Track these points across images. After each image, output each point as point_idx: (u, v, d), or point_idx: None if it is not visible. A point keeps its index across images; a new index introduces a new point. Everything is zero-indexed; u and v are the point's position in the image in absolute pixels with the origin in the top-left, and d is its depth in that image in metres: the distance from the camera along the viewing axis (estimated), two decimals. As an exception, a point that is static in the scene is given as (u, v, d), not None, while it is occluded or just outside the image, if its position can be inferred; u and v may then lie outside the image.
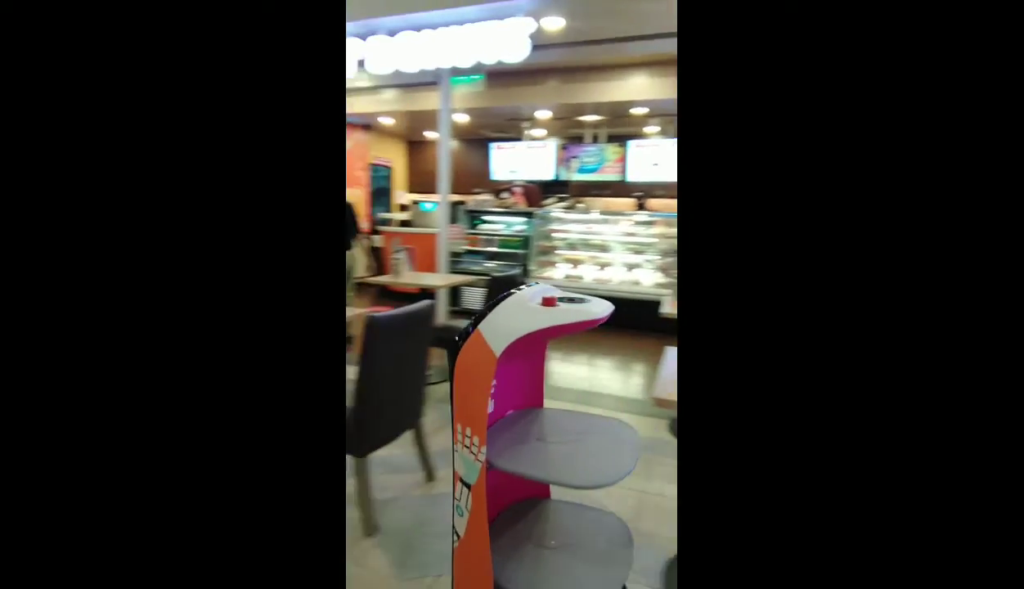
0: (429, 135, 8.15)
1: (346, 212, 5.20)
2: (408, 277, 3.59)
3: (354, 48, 3.74)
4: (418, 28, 3.52)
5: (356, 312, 2.34)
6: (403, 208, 8.32)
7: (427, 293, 3.57)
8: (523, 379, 1.22)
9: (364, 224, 7.38)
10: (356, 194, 7.30)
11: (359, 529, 1.78)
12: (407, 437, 2.05)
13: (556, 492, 1.35)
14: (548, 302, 0.98)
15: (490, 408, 1.03)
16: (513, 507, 1.21)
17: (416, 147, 8.87)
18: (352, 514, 1.84)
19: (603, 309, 1.04)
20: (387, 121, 7.34)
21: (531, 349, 1.20)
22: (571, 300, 1.04)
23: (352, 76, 3.89)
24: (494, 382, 0.97)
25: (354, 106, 6.44)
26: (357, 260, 5.34)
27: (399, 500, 2.00)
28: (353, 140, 7.18)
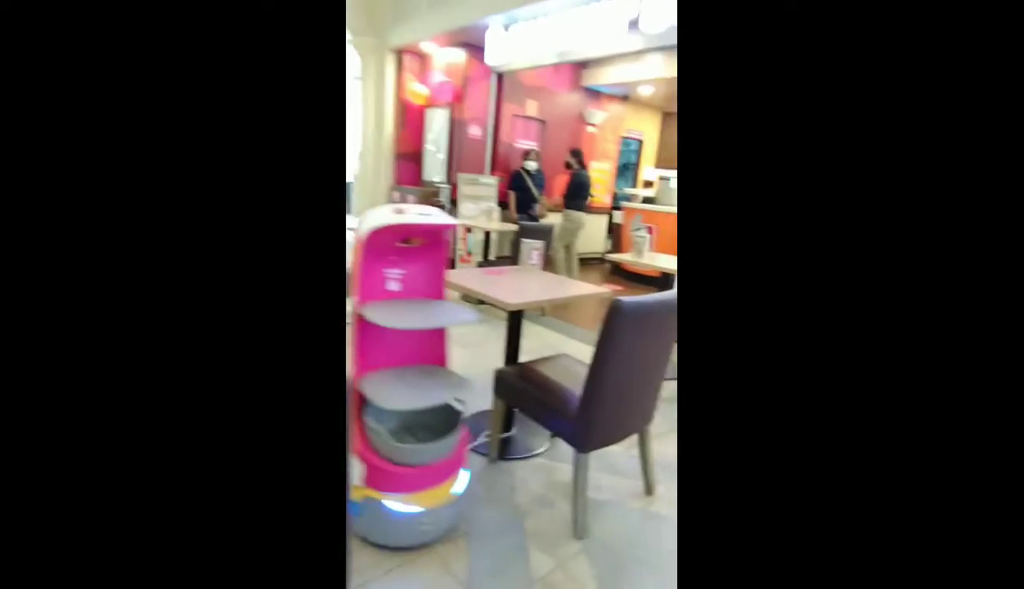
0: (688, 106, 7.47)
1: (584, 180, 5.15)
2: (648, 257, 3.29)
3: (625, 7, 3.49)
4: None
5: (592, 290, 2.17)
6: (648, 184, 7.93)
7: (667, 277, 3.22)
8: (427, 276, 1.67)
9: (605, 198, 7.29)
10: (604, 168, 7.21)
11: (569, 528, 1.65)
12: (632, 439, 1.82)
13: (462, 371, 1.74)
14: (398, 211, 1.45)
15: (398, 288, 1.61)
16: (418, 365, 1.67)
17: (670, 119, 8.29)
18: (564, 511, 1.73)
19: (441, 219, 1.50)
20: (646, 91, 6.96)
21: (431, 255, 1.66)
22: (422, 213, 1.48)
23: (620, 40, 3.66)
24: (400, 271, 1.61)
25: (614, 76, 6.25)
26: (582, 226, 5.23)
27: (613, 507, 1.80)
28: (609, 112, 7.04)
